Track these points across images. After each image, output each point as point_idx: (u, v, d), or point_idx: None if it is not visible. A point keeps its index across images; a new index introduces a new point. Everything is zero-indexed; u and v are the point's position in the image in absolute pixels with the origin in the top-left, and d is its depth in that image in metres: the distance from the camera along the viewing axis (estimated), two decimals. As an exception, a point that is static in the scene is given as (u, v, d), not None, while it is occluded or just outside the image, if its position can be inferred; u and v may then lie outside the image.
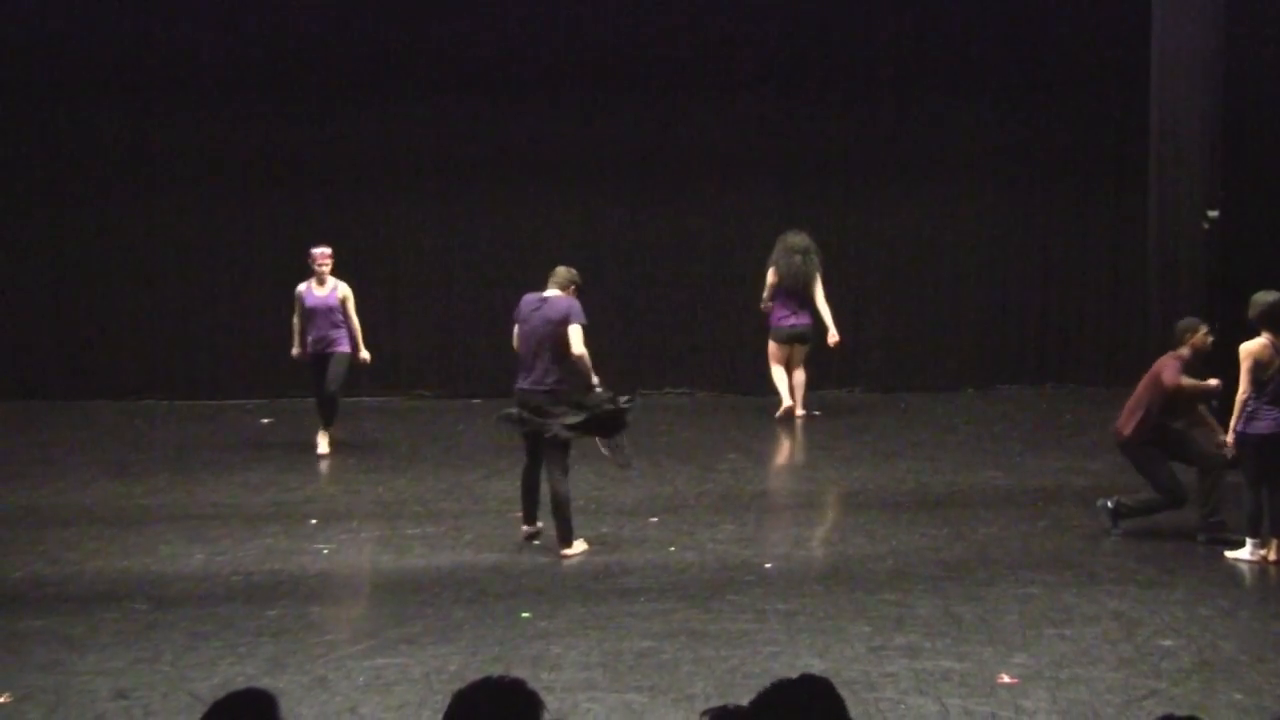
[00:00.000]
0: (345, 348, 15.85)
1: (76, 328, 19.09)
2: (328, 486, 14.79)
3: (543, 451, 12.30)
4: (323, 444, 16.05)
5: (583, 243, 19.09)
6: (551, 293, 12.55)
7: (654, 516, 13.44)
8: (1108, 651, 9.93)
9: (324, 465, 15.71)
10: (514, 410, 12.34)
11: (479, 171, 19.02)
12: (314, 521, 13.43)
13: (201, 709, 4.75)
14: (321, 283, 15.90)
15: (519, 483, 12.69)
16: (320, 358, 15.84)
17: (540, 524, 12.64)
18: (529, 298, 12.64)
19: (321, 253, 15.88)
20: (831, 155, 19.19)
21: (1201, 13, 16.13)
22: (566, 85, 18.92)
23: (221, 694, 4.82)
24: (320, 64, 18.83)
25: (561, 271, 12.66)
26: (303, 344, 15.96)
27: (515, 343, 12.55)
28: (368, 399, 18.83)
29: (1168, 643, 10.12)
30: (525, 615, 10.84)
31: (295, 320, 16.00)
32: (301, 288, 15.95)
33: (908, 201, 19.22)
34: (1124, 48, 17.90)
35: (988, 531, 12.97)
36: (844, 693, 4.95)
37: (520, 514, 12.72)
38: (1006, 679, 9.43)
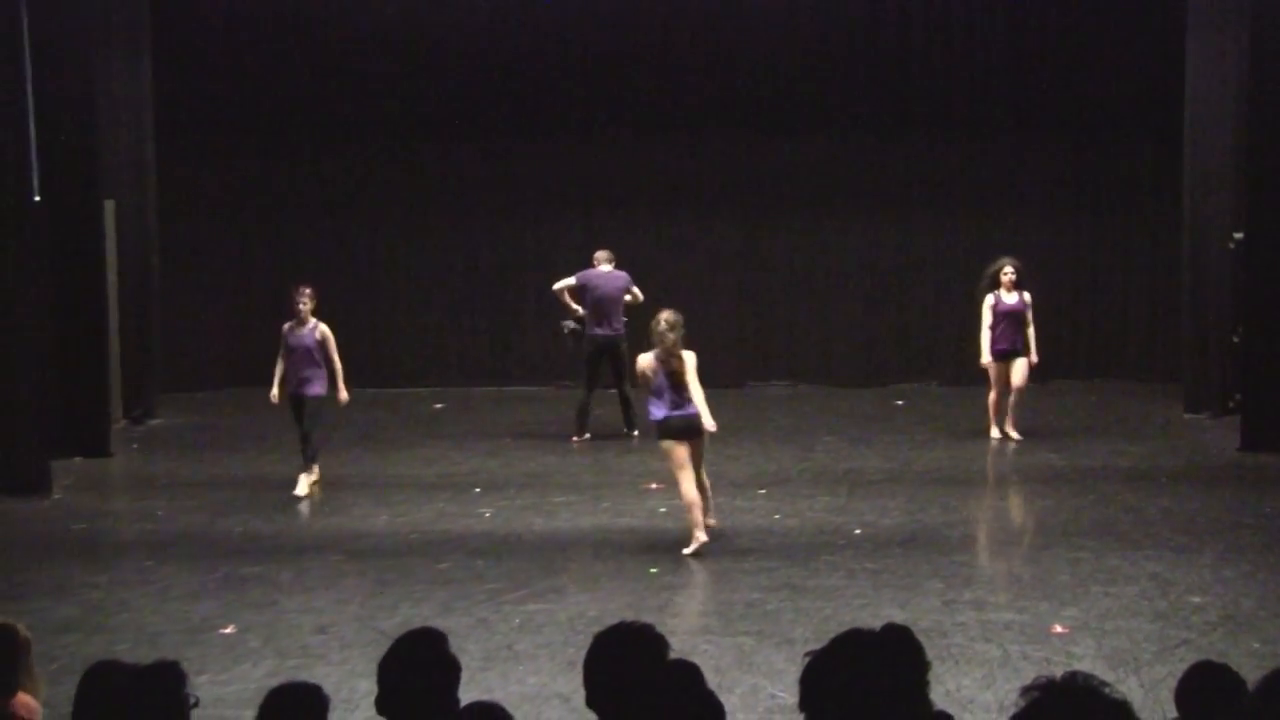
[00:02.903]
0: (319, 390, 13.41)
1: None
2: (488, 461, 14.87)
3: (611, 372, 15.53)
4: (302, 486, 13.45)
5: (703, 259, 19.07)
6: (609, 268, 15.62)
7: (761, 489, 13.43)
8: (1145, 607, 9.80)
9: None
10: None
11: (622, 200, 19.05)
12: (478, 490, 13.53)
13: (386, 643, 4.80)
14: (302, 323, 13.38)
15: (577, 410, 15.65)
16: (297, 400, 13.50)
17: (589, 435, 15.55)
18: (596, 273, 15.59)
19: (303, 291, 13.40)
20: (911, 185, 19.03)
21: (1229, 60, 15.93)
22: (694, 125, 18.91)
23: (402, 631, 4.88)
24: (481, 102, 18.92)
25: (607, 254, 15.71)
26: (282, 385, 13.59)
27: (586, 303, 15.48)
28: (520, 388, 18.93)
29: (1197, 600, 9.97)
30: (653, 570, 10.86)
31: (280, 360, 13.59)
32: (285, 327, 13.52)
33: (978, 224, 19.02)
34: (1161, 94, 17.64)
35: (1044, 504, 12.84)
36: (921, 639, 4.93)
37: (575, 432, 15.60)
38: (1059, 629, 9.34)
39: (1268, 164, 14.78)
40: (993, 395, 15.37)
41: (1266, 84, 14.75)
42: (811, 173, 19.01)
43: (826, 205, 19.11)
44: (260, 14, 18.81)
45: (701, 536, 11.26)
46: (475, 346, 19.44)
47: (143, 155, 17.02)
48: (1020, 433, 15.29)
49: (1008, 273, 15.33)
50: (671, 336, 11.08)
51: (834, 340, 19.31)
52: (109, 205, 16.12)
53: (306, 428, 13.43)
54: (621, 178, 19.07)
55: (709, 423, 11.07)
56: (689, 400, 11.05)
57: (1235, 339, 15.80)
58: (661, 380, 11.08)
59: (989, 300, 15.35)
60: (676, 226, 19.09)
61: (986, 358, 15.33)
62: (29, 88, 13.92)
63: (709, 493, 11.61)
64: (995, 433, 15.36)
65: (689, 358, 11.12)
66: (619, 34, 18.83)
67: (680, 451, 11.13)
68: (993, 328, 15.29)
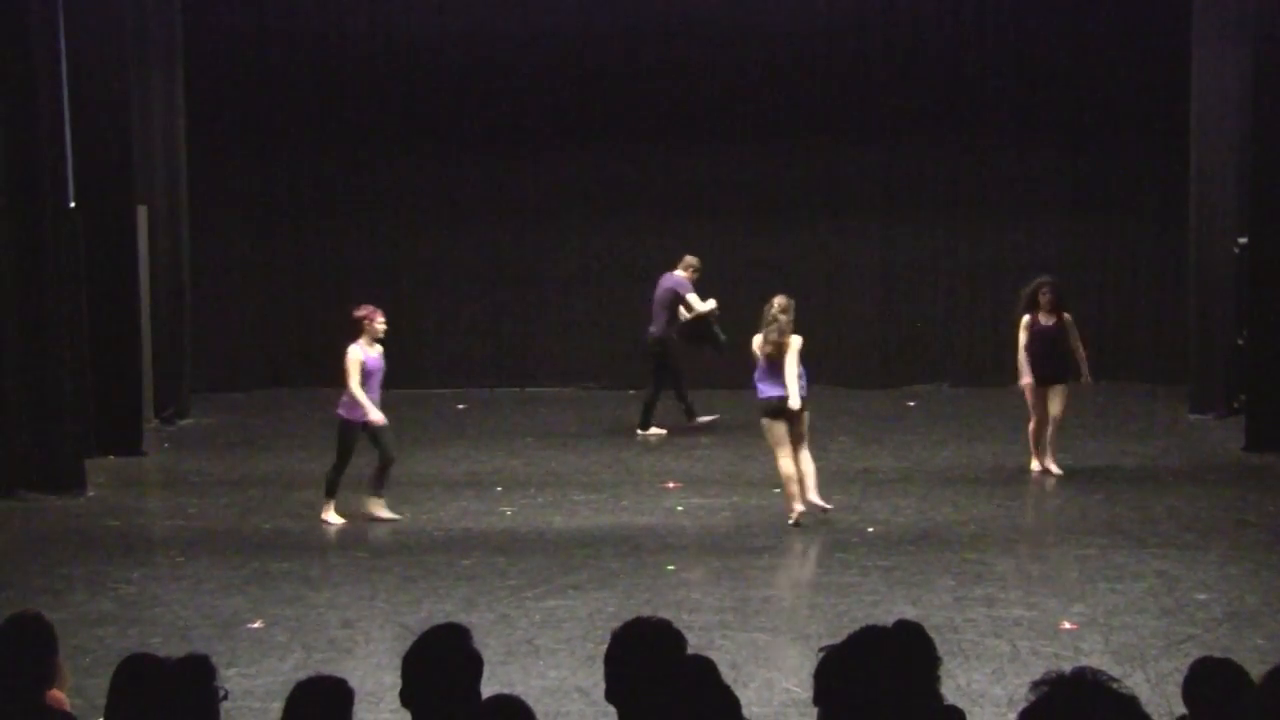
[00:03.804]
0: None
1: (313, 329, 19.36)
2: (510, 461, 14.86)
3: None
4: (383, 507, 12.37)
5: (716, 262, 18.96)
6: (676, 272, 15.85)
7: (776, 488, 13.33)
8: (1152, 603, 9.77)
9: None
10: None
11: (639, 204, 19.04)
12: (500, 488, 13.53)
13: (410, 638, 4.79)
14: (372, 344, 12.15)
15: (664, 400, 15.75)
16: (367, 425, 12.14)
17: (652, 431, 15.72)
18: (663, 276, 15.89)
19: (380, 313, 12.29)
20: (922, 189, 19.00)
21: (1233, 68, 15.90)
22: (708, 131, 18.90)
23: (426, 626, 4.87)
24: (505, 109, 18.92)
25: (684, 259, 15.93)
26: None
27: None
28: (541, 389, 18.91)
29: (1202, 596, 9.94)
30: (670, 567, 10.86)
31: (357, 387, 11.94)
32: (360, 352, 12.00)
33: (988, 227, 18.99)
34: (1168, 104, 17.59)
35: (1053, 502, 12.81)
36: (932, 635, 4.92)
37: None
38: (1067, 625, 9.31)
39: (1271, 170, 14.78)
40: (1032, 424, 13.76)
41: (1270, 91, 14.72)
42: (822, 177, 18.99)
43: (838, 209, 19.09)
44: (288, 25, 18.88)
45: (798, 507, 11.82)
46: (498, 348, 19.45)
47: (175, 161, 17.06)
48: (1060, 467, 13.73)
49: (1045, 293, 13.76)
50: (784, 319, 11.84)
51: (847, 342, 19.28)
52: (141, 211, 16.16)
53: (394, 453, 12.26)
54: (638, 183, 19.07)
55: (794, 401, 11.69)
56: (784, 381, 11.72)
57: (1240, 341, 15.76)
58: (762, 361, 11.83)
59: (1025, 321, 13.76)
60: (691, 231, 19.03)
61: (1026, 377, 13.67)
62: (65, 96, 13.98)
63: (809, 472, 11.90)
64: (1035, 465, 13.72)
65: (794, 341, 11.83)
66: (635, 43, 18.82)
67: (776, 429, 11.80)
68: (1028, 348, 13.70)
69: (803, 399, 11.80)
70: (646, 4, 18.70)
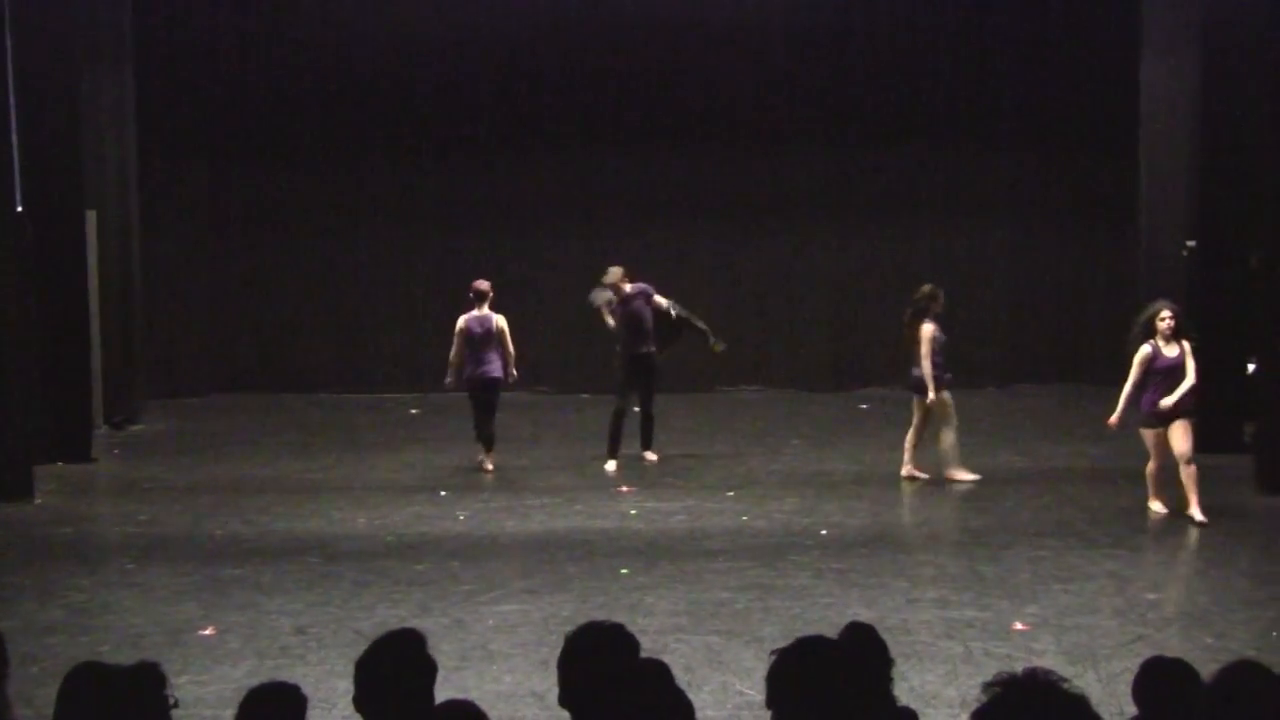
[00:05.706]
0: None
1: (270, 336, 19.31)
2: (464, 465, 14.84)
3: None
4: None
5: (677, 267, 19.05)
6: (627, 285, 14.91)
7: (730, 491, 13.43)
8: (1104, 603, 9.84)
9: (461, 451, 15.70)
10: None
11: (597, 211, 19.06)
12: (454, 492, 13.49)
13: (364, 644, 4.78)
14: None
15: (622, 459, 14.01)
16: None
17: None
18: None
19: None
20: (881, 197, 19.10)
21: (1182, 78, 16.07)
22: (669, 139, 18.92)
23: (380, 632, 4.85)
24: (461, 114, 18.91)
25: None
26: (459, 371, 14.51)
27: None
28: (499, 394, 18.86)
29: (1153, 596, 10.02)
30: (624, 571, 10.85)
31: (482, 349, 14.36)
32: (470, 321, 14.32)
33: (941, 234, 19.11)
34: (1119, 109, 17.76)
35: (1006, 504, 12.87)
36: (886, 637, 4.94)
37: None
38: (1020, 626, 9.36)
39: (1220, 174, 14.99)
40: (1151, 465, 12.39)
41: (1218, 96, 14.93)
42: (779, 184, 19.07)
43: (794, 216, 19.18)
44: (242, 25, 18.80)
45: (906, 471, 13.90)
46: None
47: (125, 165, 16.95)
48: (1204, 512, 12.03)
49: (1165, 318, 12.19)
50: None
51: (801, 346, 19.35)
52: (91, 215, 16.03)
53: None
54: (593, 189, 19.09)
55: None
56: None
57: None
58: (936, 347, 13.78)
59: (1144, 352, 12.17)
60: (646, 237, 19.10)
61: (1114, 418, 12.43)
62: (11, 98, 13.85)
63: (908, 446, 13.95)
64: (1157, 506, 12.38)
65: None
66: (587, 51, 18.85)
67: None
68: (1139, 384, 12.22)
69: (922, 382, 13.79)
70: (604, 13, 18.69)
